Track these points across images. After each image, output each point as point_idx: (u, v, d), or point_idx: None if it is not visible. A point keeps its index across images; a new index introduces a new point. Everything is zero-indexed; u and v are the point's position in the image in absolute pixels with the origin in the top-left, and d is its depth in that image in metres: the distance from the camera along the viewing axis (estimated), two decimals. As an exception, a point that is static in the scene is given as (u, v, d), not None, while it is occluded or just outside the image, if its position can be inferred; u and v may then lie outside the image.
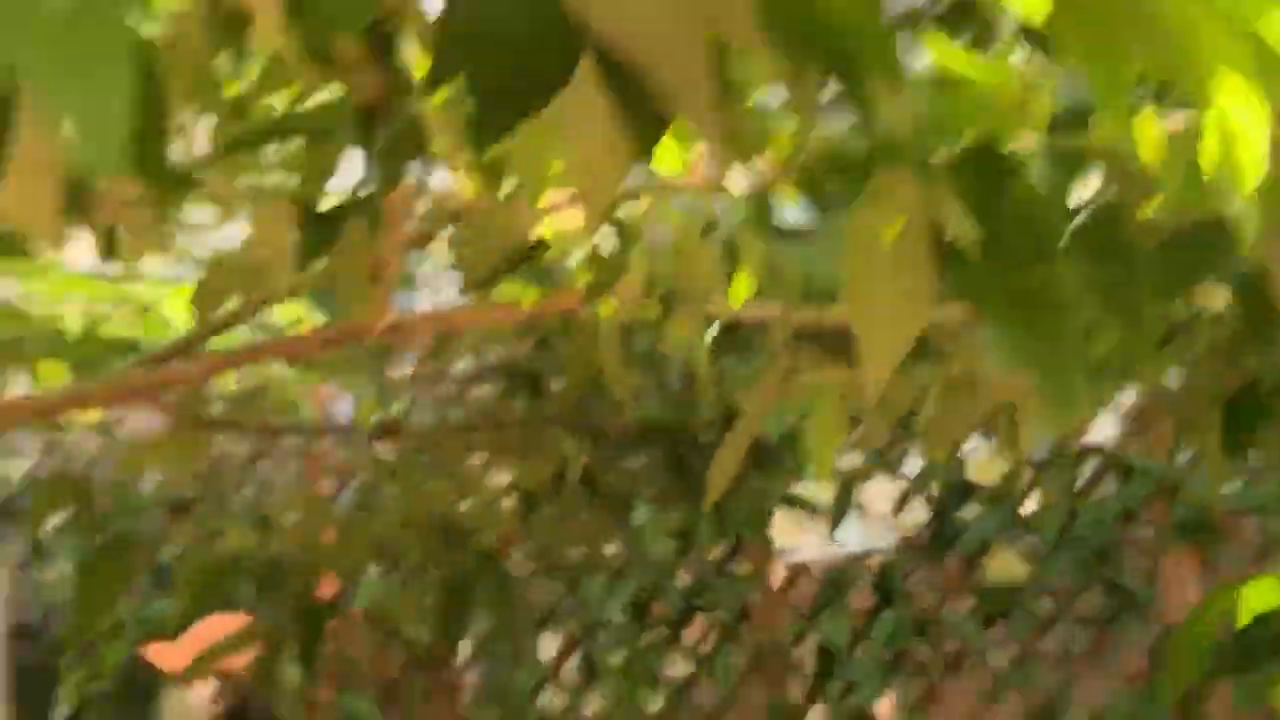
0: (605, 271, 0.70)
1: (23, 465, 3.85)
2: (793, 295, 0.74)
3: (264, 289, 0.96)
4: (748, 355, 1.01)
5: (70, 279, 2.02)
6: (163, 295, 2.09)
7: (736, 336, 0.95)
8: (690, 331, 0.72)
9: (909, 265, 0.59)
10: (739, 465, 1.87)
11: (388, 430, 1.31)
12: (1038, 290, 0.51)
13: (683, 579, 3.03)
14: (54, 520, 3.73)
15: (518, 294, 0.86)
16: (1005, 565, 2.76)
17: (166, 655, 2.57)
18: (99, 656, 3.41)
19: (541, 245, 0.78)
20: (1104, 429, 2.82)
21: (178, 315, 2.04)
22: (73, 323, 1.96)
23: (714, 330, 0.88)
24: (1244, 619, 1.01)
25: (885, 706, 2.82)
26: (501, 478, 1.43)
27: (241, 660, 2.53)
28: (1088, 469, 2.75)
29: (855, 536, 2.92)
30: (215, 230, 1.67)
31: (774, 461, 2.71)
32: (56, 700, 3.38)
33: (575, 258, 0.79)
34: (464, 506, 1.44)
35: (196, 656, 2.51)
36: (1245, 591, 1.03)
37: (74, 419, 2.09)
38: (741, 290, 0.80)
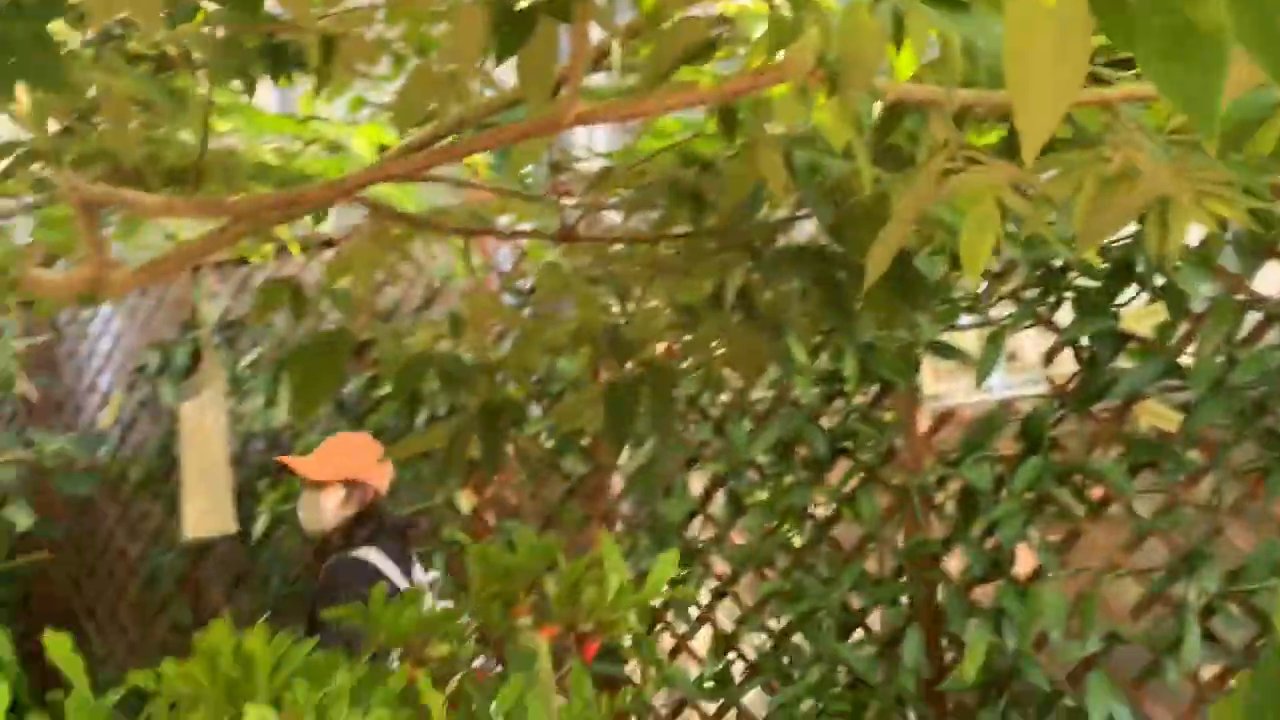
0: (780, 35, 0.76)
1: (220, 306, 4.19)
2: (955, 74, 0.78)
3: (459, 95, 1.05)
4: (910, 157, 1.06)
5: (267, 119, 2.18)
6: (349, 134, 2.24)
7: (896, 133, 0.99)
8: (854, 108, 0.77)
9: (1069, 22, 0.64)
10: (888, 307, 1.93)
11: (565, 236, 1.41)
12: (1189, 24, 0.55)
13: (828, 423, 3.11)
14: (249, 356, 4.06)
15: (695, 79, 0.93)
16: (1158, 416, 2.74)
17: (303, 464, 2.90)
18: (288, 480, 3.75)
19: (718, 39, 0.84)
20: (1270, 281, 2.74)
21: (364, 151, 2.19)
22: (270, 158, 2.14)
23: (876, 112, 0.93)
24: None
25: (1024, 552, 2.88)
26: (663, 293, 1.53)
27: (369, 470, 2.81)
28: (1250, 322, 2.68)
29: (1004, 385, 2.93)
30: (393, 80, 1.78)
31: (924, 305, 2.74)
32: (255, 516, 3.77)
33: (752, 38, 0.84)
34: (629, 319, 1.54)
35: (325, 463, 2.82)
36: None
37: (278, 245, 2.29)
38: (906, 66, 0.85)
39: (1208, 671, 2.67)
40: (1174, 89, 0.53)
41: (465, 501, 3.55)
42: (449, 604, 1.60)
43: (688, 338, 1.69)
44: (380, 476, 2.88)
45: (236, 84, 1.92)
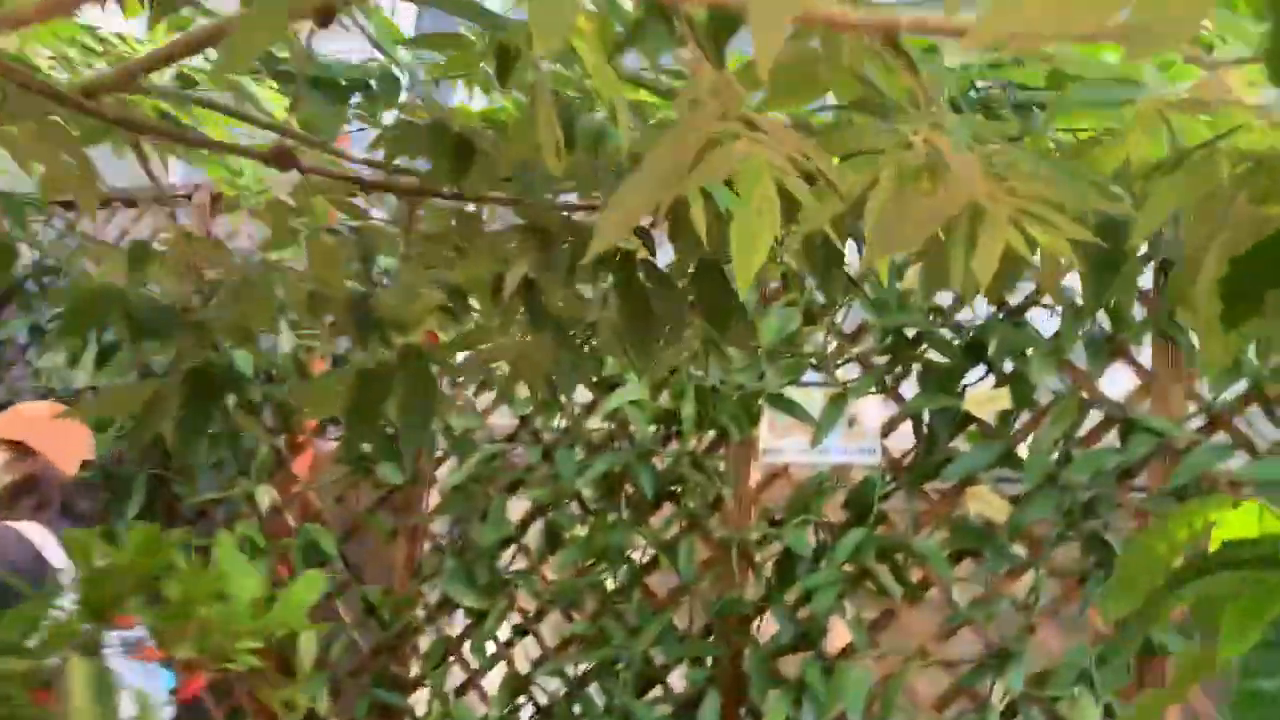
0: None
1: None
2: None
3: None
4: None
5: (69, 28, 1.94)
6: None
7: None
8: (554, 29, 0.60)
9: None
10: (728, 360, 1.73)
11: (279, 157, 1.17)
12: None
13: (660, 464, 2.95)
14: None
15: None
16: (988, 504, 2.64)
17: None
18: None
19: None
20: (1117, 385, 2.68)
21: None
22: (44, 65, 1.90)
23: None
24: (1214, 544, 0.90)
25: (838, 626, 2.74)
26: (423, 268, 1.33)
27: (42, 438, 2.56)
28: (1091, 421, 2.62)
29: (840, 450, 2.81)
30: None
31: (739, 339, 2.59)
32: None
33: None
34: (375, 290, 1.34)
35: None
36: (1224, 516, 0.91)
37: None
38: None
39: (1001, 775, 2.55)
40: None
41: (266, 497, 3.27)
42: None
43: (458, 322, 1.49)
44: (61, 450, 2.60)
45: None
